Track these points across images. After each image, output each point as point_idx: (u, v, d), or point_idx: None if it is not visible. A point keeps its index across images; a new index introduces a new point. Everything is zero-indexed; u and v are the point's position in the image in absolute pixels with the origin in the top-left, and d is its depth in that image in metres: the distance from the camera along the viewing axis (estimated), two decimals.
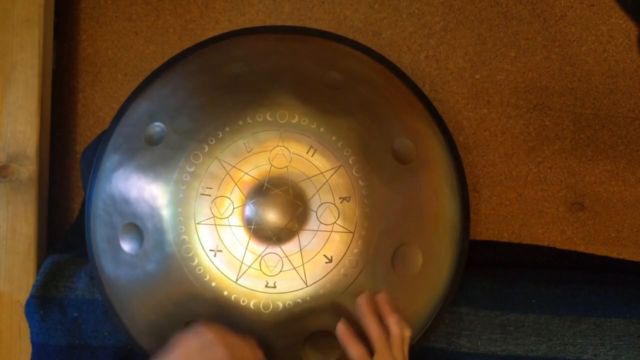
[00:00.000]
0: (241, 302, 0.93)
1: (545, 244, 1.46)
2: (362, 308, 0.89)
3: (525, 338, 1.13)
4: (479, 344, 1.13)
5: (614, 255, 1.46)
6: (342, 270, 0.93)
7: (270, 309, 0.93)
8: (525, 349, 1.13)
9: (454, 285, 1.04)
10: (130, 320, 1.00)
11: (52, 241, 1.25)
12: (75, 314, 1.10)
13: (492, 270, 1.28)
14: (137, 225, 0.96)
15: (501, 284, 1.21)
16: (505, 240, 1.47)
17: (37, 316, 1.11)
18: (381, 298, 0.91)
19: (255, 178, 0.94)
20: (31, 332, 1.13)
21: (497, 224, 1.46)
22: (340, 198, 0.94)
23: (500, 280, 1.23)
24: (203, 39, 1.12)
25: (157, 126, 0.98)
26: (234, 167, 0.94)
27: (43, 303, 1.11)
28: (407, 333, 0.89)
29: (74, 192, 1.46)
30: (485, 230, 1.47)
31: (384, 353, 0.86)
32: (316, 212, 0.93)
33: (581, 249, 1.47)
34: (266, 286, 0.93)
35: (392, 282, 0.96)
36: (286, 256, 0.93)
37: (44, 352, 1.12)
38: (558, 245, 1.46)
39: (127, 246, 0.97)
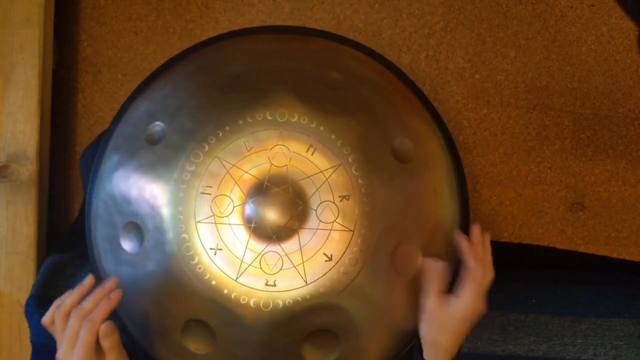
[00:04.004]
0: (241, 300, 0.93)
1: (545, 244, 1.46)
2: (463, 246, 0.94)
3: (525, 338, 1.13)
4: (479, 344, 1.13)
5: (614, 255, 1.46)
6: (341, 269, 0.93)
7: (270, 308, 0.93)
8: (525, 349, 1.13)
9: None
10: (130, 320, 1.00)
11: (52, 241, 1.25)
12: None
13: None
14: (137, 224, 0.96)
15: (501, 284, 1.21)
16: (505, 240, 1.47)
17: (37, 316, 1.11)
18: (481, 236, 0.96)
19: (255, 177, 0.94)
20: (31, 332, 1.13)
21: (497, 224, 1.47)
22: (339, 196, 0.94)
23: (500, 280, 1.23)
24: (203, 39, 1.12)
25: (158, 125, 0.98)
26: (234, 165, 0.94)
27: (43, 303, 1.11)
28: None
29: (74, 192, 1.46)
30: (485, 230, 1.47)
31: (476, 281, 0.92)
32: (316, 211, 0.93)
33: (581, 249, 1.47)
34: (266, 284, 0.93)
35: (391, 281, 0.96)
36: (286, 254, 0.93)
37: (44, 352, 1.12)
38: (558, 245, 1.46)
39: (127, 245, 0.97)
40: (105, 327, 0.85)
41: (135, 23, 1.45)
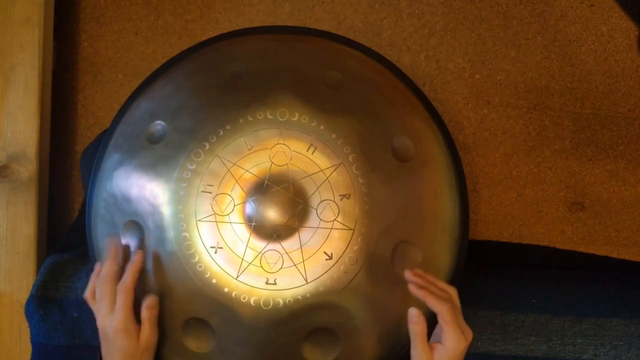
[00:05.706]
0: (241, 299, 0.93)
1: (545, 244, 1.47)
2: (417, 292, 0.89)
3: (525, 338, 1.13)
4: (479, 344, 1.12)
5: (614, 255, 1.47)
6: (342, 268, 0.93)
7: (271, 306, 0.93)
8: (525, 349, 1.13)
9: (453, 284, 1.04)
10: None
11: (52, 241, 1.25)
12: (75, 314, 1.10)
13: (492, 270, 1.28)
14: (138, 223, 0.96)
15: (501, 284, 1.21)
16: (505, 240, 1.47)
17: (37, 316, 1.11)
18: (419, 276, 0.92)
19: (256, 175, 0.94)
20: (31, 332, 1.13)
21: (497, 224, 1.47)
22: (340, 195, 0.94)
23: (500, 280, 1.23)
24: (203, 39, 1.12)
25: (158, 124, 0.98)
26: (234, 164, 0.94)
27: (43, 303, 1.11)
28: (452, 291, 0.93)
29: (74, 192, 1.46)
30: (485, 230, 1.47)
31: (455, 321, 0.88)
32: (316, 210, 0.93)
33: (581, 249, 1.47)
34: (266, 283, 0.93)
35: (391, 280, 0.96)
36: (286, 253, 0.93)
37: (44, 352, 1.12)
38: (558, 245, 1.46)
39: (128, 244, 0.97)
40: (150, 299, 0.92)
41: (135, 23, 1.45)
